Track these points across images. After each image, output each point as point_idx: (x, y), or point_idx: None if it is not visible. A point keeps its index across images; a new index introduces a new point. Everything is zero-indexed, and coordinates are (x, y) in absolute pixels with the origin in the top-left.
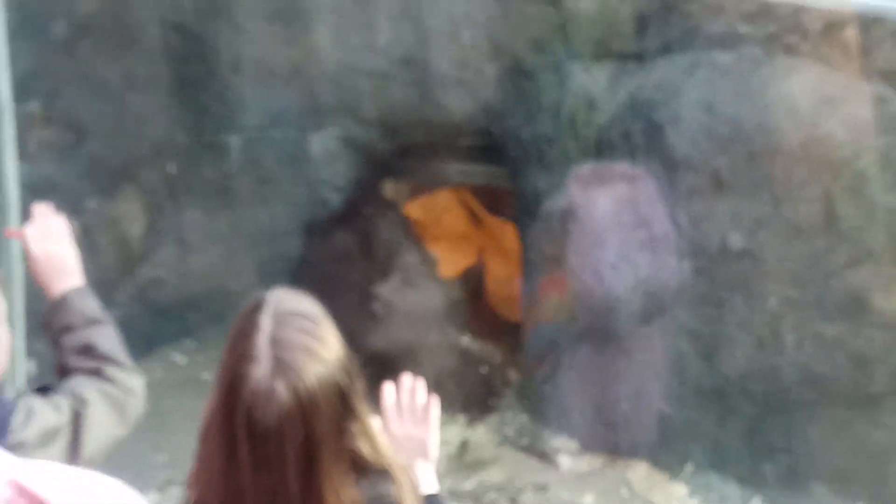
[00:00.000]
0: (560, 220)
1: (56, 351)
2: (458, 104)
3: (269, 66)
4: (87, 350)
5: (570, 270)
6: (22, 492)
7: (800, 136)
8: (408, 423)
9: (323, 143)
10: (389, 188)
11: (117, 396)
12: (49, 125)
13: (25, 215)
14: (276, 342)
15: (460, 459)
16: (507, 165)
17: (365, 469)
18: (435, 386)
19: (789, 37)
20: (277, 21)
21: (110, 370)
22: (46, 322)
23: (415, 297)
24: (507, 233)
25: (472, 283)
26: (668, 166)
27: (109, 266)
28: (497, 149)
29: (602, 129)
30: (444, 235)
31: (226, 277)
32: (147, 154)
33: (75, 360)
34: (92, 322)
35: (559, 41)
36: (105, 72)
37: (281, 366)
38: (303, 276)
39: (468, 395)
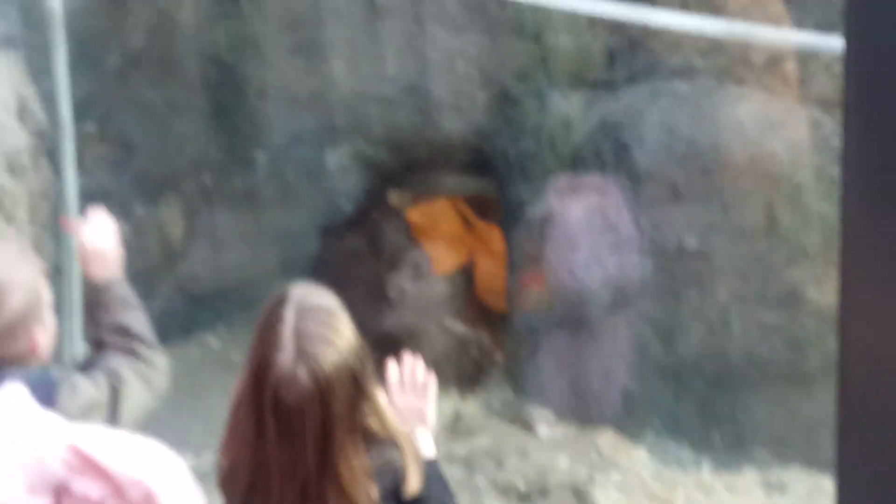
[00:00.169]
0: (540, 224)
1: (93, 328)
2: (454, 126)
3: (292, 93)
4: (122, 330)
5: (549, 268)
6: (80, 455)
7: (746, 154)
8: (409, 396)
9: (337, 158)
10: (394, 197)
11: (148, 373)
12: (103, 143)
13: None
14: (298, 333)
15: (453, 428)
16: (495, 178)
17: (374, 440)
18: (432, 365)
19: (738, 69)
20: (299, 54)
21: (142, 350)
22: (88, 303)
23: (417, 290)
24: (494, 236)
25: (465, 279)
26: (633, 179)
27: (154, 262)
28: (487, 164)
29: (577, 147)
30: (441, 237)
31: (253, 272)
32: (186, 167)
33: (111, 338)
34: (128, 306)
35: (541, 72)
36: (151, 97)
37: (302, 354)
38: (319, 271)
39: (460, 374)
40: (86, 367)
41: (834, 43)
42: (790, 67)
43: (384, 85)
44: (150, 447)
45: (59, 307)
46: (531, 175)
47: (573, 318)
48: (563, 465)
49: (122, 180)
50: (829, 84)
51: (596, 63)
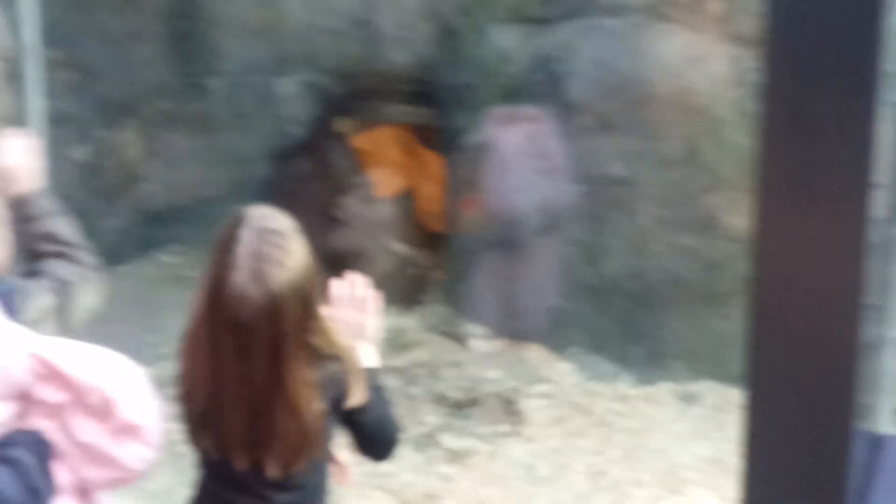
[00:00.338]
0: (477, 152)
1: (22, 239)
2: (399, 57)
3: (245, 23)
4: (54, 238)
5: (485, 193)
6: (42, 363)
7: (670, 88)
8: (352, 311)
9: (288, 86)
10: (341, 124)
11: (87, 274)
12: (66, 68)
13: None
14: (253, 254)
15: (393, 342)
16: (436, 107)
17: (321, 356)
18: (375, 282)
19: (665, 7)
20: None
21: (77, 253)
22: (16, 218)
23: (364, 212)
24: (434, 162)
25: (407, 203)
26: (565, 110)
27: (113, 183)
28: (428, 94)
29: (513, 79)
30: (384, 163)
31: (207, 192)
32: (145, 93)
33: (45, 247)
34: (55, 215)
35: (480, 7)
36: (112, 25)
37: (256, 274)
38: (270, 192)
39: (401, 291)
40: (29, 276)
41: None
42: (713, 6)
43: (333, 17)
44: (109, 356)
45: None
46: (470, 105)
47: (506, 240)
48: (494, 377)
49: (84, 104)
50: (750, 22)
51: (532, 0)
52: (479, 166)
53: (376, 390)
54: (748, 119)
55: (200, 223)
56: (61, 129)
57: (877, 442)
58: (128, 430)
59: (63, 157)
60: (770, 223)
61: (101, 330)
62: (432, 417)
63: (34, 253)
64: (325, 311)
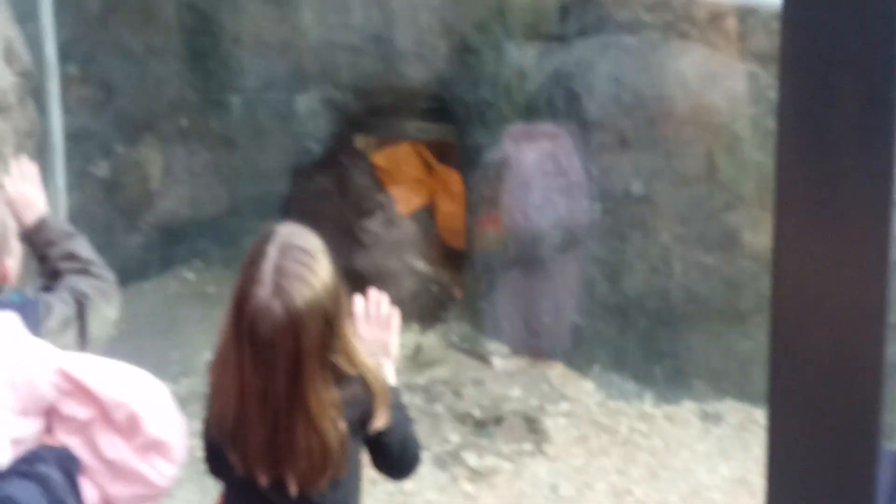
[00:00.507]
0: (496, 169)
1: (43, 263)
2: (417, 74)
3: (264, 40)
4: (71, 256)
5: (504, 210)
6: (68, 378)
7: (688, 105)
8: (374, 328)
9: (307, 103)
10: (360, 141)
11: (103, 287)
12: (85, 84)
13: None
14: (277, 270)
15: (414, 359)
16: (454, 124)
17: (345, 376)
18: (396, 300)
19: (682, 24)
20: (271, 3)
21: (93, 268)
22: (30, 242)
23: (380, 229)
24: (454, 179)
25: (427, 220)
26: (583, 127)
27: (133, 199)
28: (447, 111)
29: (531, 96)
30: (403, 180)
31: (227, 209)
32: (164, 109)
33: (63, 265)
34: (69, 235)
35: (498, 24)
36: (131, 41)
37: (279, 289)
38: (289, 210)
39: (422, 309)
40: (48, 290)
41: (772, 0)
42: (731, 23)
43: (351, 34)
44: (133, 373)
45: None
46: (488, 122)
47: (526, 258)
48: (516, 395)
49: (104, 120)
50: (767, 39)
51: (550, 16)
52: (498, 184)
53: (398, 409)
54: (767, 136)
55: (221, 239)
56: (81, 146)
57: None
58: (154, 447)
59: (84, 173)
60: (790, 241)
61: (123, 346)
62: (455, 436)
63: (55, 273)
64: (351, 331)
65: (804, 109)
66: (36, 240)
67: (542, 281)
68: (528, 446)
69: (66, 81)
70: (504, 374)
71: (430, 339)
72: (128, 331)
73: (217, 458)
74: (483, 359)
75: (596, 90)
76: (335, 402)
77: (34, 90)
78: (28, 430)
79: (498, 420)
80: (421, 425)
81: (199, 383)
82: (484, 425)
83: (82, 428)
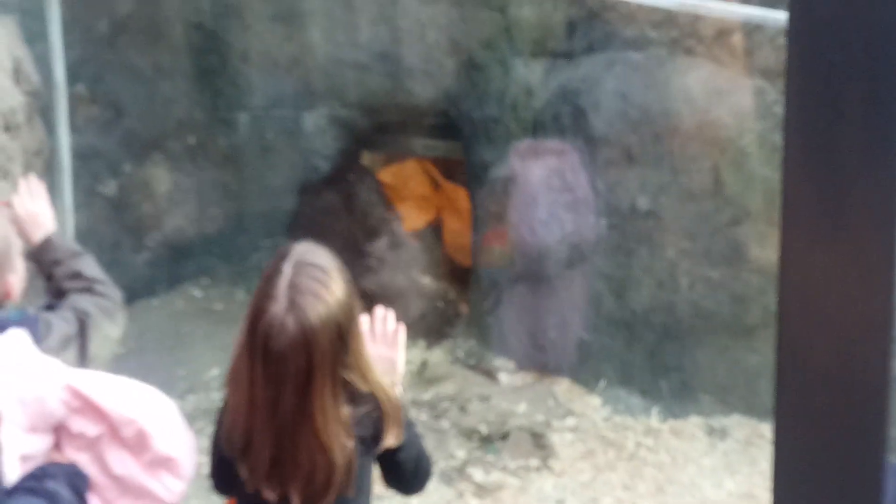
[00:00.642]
0: (503, 185)
1: (49, 281)
2: (423, 91)
3: (272, 58)
4: (77, 275)
5: (511, 226)
6: (76, 395)
7: (694, 120)
8: (380, 345)
9: (314, 120)
10: (367, 158)
11: (108, 306)
12: (93, 104)
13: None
14: (292, 286)
15: (421, 375)
16: (461, 141)
17: (357, 393)
18: (402, 316)
19: (688, 41)
20: (279, 21)
21: (98, 287)
22: (37, 261)
23: (387, 246)
24: (460, 195)
25: (433, 237)
26: (590, 143)
27: (141, 217)
28: (454, 127)
29: (537, 112)
30: (410, 197)
31: (235, 226)
32: (172, 128)
33: (68, 284)
34: (75, 254)
35: (505, 41)
36: (138, 61)
37: (293, 305)
38: (297, 227)
39: (428, 324)
40: (50, 308)
41: (778, 16)
42: (737, 39)
43: (359, 51)
44: (141, 389)
45: None
46: (495, 138)
47: (533, 273)
48: (522, 411)
49: (111, 139)
50: (773, 55)
51: (556, 33)
52: (505, 200)
53: (408, 426)
54: (773, 151)
55: (228, 257)
56: (89, 165)
57: None
58: (162, 463)
59: (91, 192)
60: (796, 255)
61: (130, 363)
62: (461, 451)
63: (60, 292)
64: (364, 351)
65: (810, 125)
66: (43, 258)
67: (549, 296)
68: (534, 461)
69: (74, 101)
70: (510, 390)
71: (437, 355)
72: (135, 348)
73: (227, 473)
74: (489, 374)
75: (602, 106)
76: (343, 420)
77: (43, 109)
78: (37, 447)
79: (504, 435)
80: (427, 441)
81: (205, 400)
82: (490, 441)
83: (91, 444)
